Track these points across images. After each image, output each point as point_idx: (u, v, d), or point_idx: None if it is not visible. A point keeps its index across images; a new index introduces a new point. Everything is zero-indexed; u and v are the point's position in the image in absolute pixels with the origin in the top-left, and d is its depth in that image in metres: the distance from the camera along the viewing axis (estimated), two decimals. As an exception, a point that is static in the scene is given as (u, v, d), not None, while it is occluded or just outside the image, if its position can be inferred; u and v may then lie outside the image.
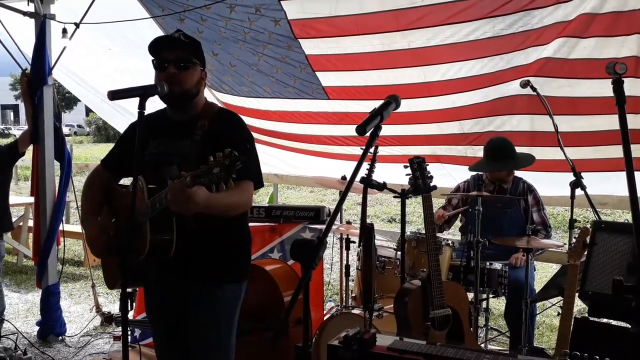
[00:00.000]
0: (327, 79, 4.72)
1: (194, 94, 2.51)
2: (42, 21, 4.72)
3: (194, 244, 2.40)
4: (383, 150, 5.10)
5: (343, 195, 2.01)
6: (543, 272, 6.61)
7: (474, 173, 4.59)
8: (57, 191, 4.98)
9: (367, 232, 3.34)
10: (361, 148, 1.96)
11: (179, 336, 2.57)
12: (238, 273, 2.60)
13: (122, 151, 2.69)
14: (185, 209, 2.15)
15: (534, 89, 3.76)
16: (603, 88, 3.83)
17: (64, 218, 5.09)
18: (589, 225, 3.17)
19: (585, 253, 3.08)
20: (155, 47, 2.49)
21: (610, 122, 4.02)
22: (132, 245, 2.31)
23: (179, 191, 2.09)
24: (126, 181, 2.74)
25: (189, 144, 2.44)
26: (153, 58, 2.51)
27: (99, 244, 2.64)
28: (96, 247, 2.66)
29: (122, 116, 6.33)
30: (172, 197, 2.13)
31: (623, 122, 1.70)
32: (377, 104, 2.08)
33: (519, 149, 4.36)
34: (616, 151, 3.92)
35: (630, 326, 2.78)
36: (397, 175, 3.83)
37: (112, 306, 5.72)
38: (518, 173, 4.48)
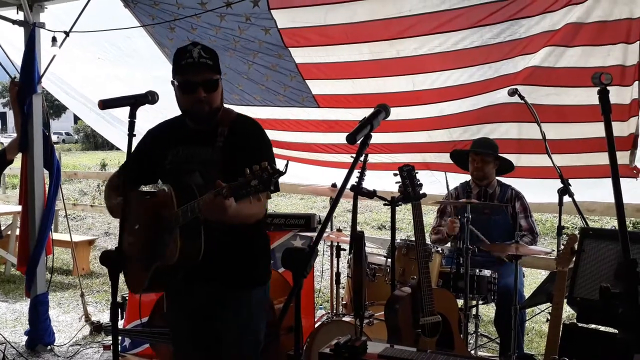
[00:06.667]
0: (317, 87, 4.74)
1: (220, 108, 2.55)
2: (31, 29, 4.70)
3: (220, 249, 2.42)
4: (373, 158, 5.13)
5: (334, 204, 2.02)
6: (532, 279, 6.65)
7: (463, 180, 4.62)
8: (46, 200, 4.96)
9: (357, 240, 3.36)
10: (351, 156, 1.98)
11: (204, 341, 2.59)
12: (261, 276, 2.65)
13: (140, 159, 2.65)
14: (217, 218, 2.21)
15: (521, 97, 3.81)
16: (590, 96, 3.87)
17: (52, 227, 5.06)
18: (577, 232, 3.20)
19: (574, 260, 3.11)
20: (181, 71, 2.45)
21: (597, 129, 4.05)
22: (162, 251, 2.36)
23: (216, 202, 2.13)
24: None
25: (210, 152, 2.47)
26: (178, 80, 2.46)
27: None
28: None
29: (112, 126, 6.31)
30: (208, 207, 2.17)
31: (609, 130, 1.74)
32: (367, 111, 2.10)
33: (506, 156, 4.40)
34: (603, 158, 3.95)
35: (617, 332, 2.81)
36: (387, 182, 3.85)
37: (101, 315, 5.69)
38: (506, 180, 4.51)
